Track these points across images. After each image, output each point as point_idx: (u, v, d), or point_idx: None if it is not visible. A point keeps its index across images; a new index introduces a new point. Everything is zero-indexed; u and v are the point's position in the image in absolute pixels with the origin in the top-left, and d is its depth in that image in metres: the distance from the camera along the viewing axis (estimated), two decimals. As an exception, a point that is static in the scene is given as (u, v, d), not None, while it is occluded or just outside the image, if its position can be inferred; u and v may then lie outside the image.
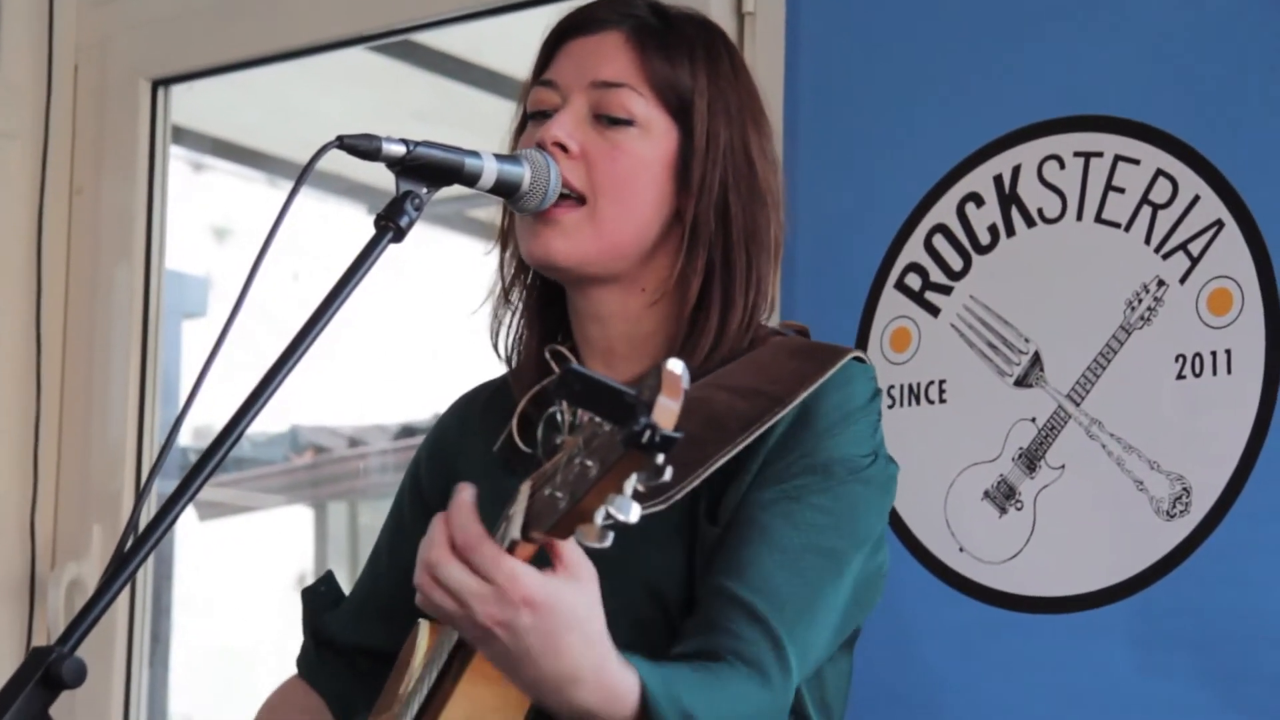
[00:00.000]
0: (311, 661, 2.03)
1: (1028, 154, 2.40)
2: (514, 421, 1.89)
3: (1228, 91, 2.28)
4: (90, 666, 1.48)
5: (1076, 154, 2.37)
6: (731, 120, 1.86)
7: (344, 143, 1.70)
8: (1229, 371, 2.22)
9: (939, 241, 2.45)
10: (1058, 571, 2.30)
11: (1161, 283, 2.28)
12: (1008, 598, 2.33)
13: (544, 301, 1.94)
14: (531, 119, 1.89)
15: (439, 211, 3.19)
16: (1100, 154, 2.35)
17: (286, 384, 1.63)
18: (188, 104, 3.37)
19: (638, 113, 1.84)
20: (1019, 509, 2.34)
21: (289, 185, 1.68)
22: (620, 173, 1.83)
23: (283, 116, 3.83)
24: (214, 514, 4.22)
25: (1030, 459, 2.34)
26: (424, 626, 1.76)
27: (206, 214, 3.86)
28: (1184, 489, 2.23)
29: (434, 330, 3.79)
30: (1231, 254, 2.24)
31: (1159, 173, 2.31)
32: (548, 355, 1.89)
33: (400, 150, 1.71)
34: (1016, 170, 2.40)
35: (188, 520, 3.83)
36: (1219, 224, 2.26)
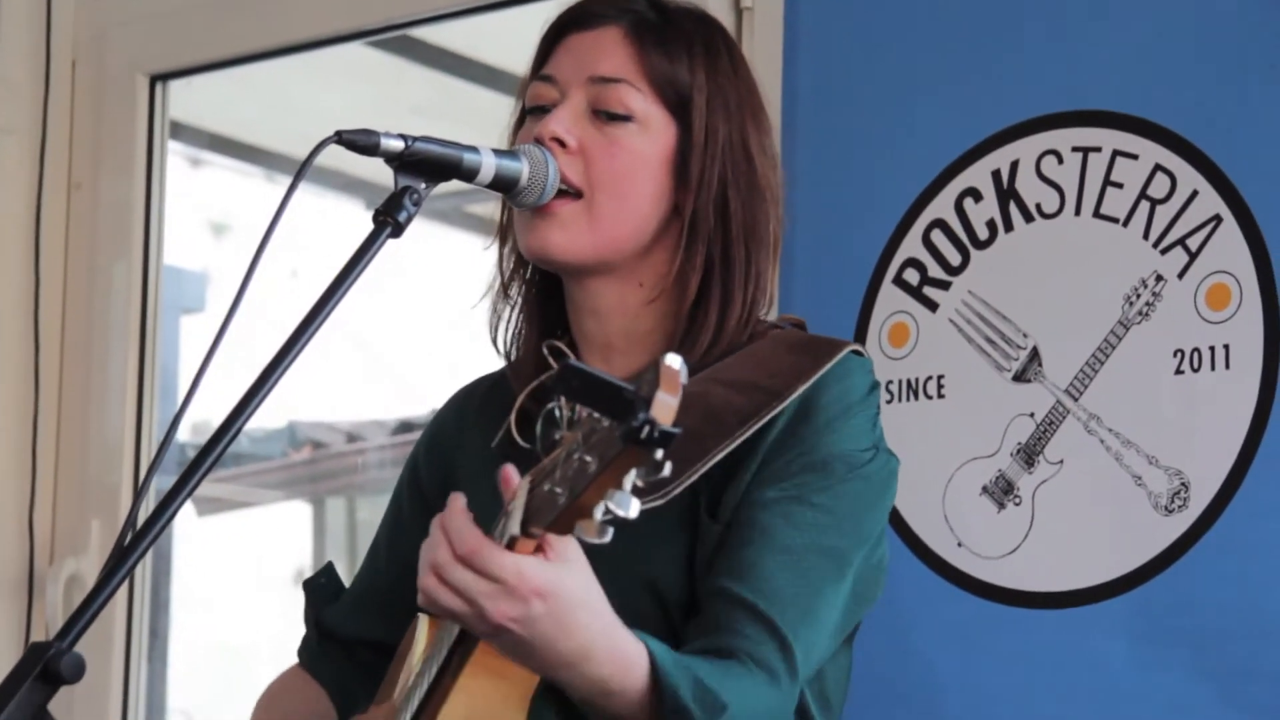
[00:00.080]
0: (313, 652, 2.04)
1: (1026, 149, 2.40)
2: (512, 416, 1.89)
3: (1226, 86, 2.28)
4: (89, 662, 1.47)
5: (1075, 149, 2.37)
6: (730, 116, 1.86)
7: (342, 138, 1.70)
8: (1227, 366, 2.22)
9: (937, 237, 2.45)
10: (1056, 566, 2.30)
11: (1160, 278, 2.28)
12: (1006, 593, 2.33)
13: (543, 296, 1.94)
14: (530, 114, 1.89)
15: (437, 207, 3.19)
16: (1098, 149, 2.35)
17: (285, 379, 1.63)
18: (186, 99, 3.37)
19: (636, 108, 1.84)
20: (1017, 504, 2.34)
21: (287, 180, 1.68)
22: (618, 168, 1.83)
23: (281, 112, 3.83)
24: (212, 509, 4.22)
25: (1029, 454, 2.34)
26: (423, 620, 1.76)
27: (205, 209, 3.86)
28: (1182, 484, 2.23)
29: (432, 326, 3.79)
30: (1230, 249, 2.24)
31: (1157, 168, 2.30)
32: (546, 351, 1.89)
33: (398, 145, 1.71)
34: (1015, 165, 2.40)
35: (186, 516, 3.82)
36: (1217, 219, 2.26)
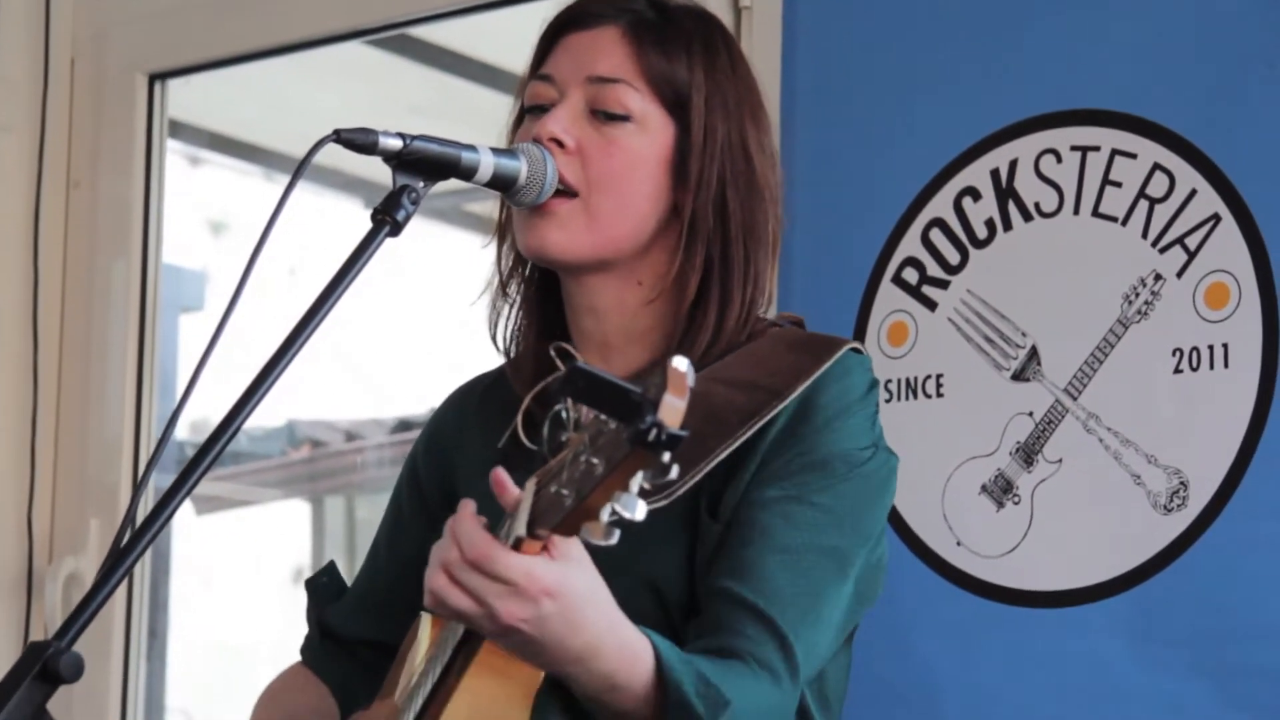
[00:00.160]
0: (316, 651, 2.04)
1: (1024, 148, 2.40)
2: (519, 418, 1.89)
3: (1225, 85, 2.28)
4: (88, 661, 1.47)
5: (1073, 148, 2.36)
6: (729, 115, 1.86)
7: (341, 137, 1.70)
8: (1226, 365, 2.22)
9: (936, 236, 2.45)
10: (1055, 566, 2.30)
11: (1159, 277, 2.28)
12: (1005, 592, 2.33)
13: (542, 294, 1.94)
14: (528, 113, 1.89)
15: (436, 205, 3.19)
16: (1097, 148, 2.35)
17: (283, 378, 1.63)
18: (184, 98, 3.37)
19: (634, 108, 1.84)
20: (1016, 503, 2.34)
21: (286, 179, 1.68)
22: (616, 168, 1.83)
23: (279, 111, 3.83)
24: (211, 508, 4.23)
25: (1027, 453, 2.34)
26: (426, 619, 1.76)
27: (203, 208, 3.87)
28: (1181, 483, 2.23)
29: (431, 324, 3.79)
30: (1228, 248, 2.24)
31: (1156, 167, 2.30)
32: (552, 352, 1.89)
33: (397, 144, 1.71)
34: (1013, 164, 2.40)
35: (185, 514, 3.82)
36: (1216, 218, 2.26)
